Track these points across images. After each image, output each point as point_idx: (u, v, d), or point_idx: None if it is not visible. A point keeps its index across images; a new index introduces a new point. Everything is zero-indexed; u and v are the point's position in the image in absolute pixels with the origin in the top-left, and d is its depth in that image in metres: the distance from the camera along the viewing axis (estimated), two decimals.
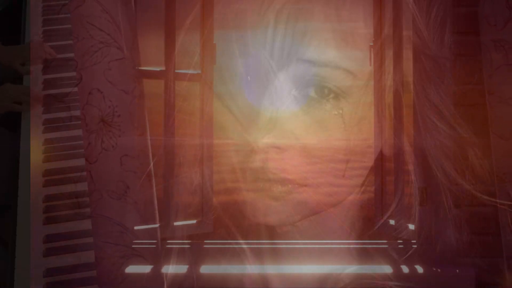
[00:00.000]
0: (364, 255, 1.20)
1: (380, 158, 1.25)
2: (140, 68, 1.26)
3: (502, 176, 1.16)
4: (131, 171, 1.14)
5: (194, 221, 1.24)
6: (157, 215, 1.16)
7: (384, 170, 1.25)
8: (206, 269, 1.17)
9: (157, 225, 1.20)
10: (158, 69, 1.26)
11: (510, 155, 1.17)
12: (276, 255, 1.20)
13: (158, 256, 1.14)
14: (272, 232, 1.24)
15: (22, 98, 1.16)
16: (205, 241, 1.22)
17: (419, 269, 1.17)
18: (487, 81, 1.19)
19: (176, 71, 1.26)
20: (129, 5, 1.25)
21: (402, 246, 1.19)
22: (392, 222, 1.23)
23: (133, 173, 1.14)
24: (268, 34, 1.23)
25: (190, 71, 1.26)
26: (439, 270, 1.16)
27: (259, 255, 1.18)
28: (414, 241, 1.18)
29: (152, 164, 1.17)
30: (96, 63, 1.19)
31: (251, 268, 1.17)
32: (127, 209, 1.12)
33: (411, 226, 1.20)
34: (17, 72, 1.21)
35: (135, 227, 1.15)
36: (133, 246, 1.14)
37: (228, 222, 1.23)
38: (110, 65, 1.19)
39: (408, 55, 1.22)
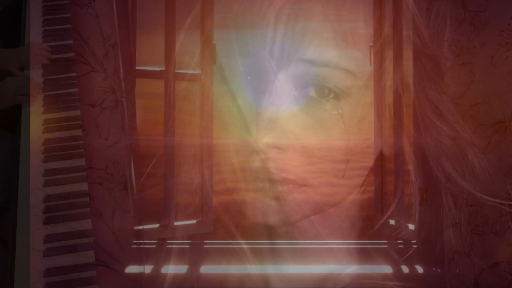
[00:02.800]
0: (364, 255, 1.20)
1: (380, 158, 1.25)
2: (140, 68, 1.26)
3: (449, 176, 1.17)
4: (95, 183, 1.14)
5: (194, 221, 1.24)
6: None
7: (384, 170, 1.25)
8: (206, 269, 1.17)
9: (157, 225, 1.21)
10: (158, 69, 1.26)
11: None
12: (276, 255, 1.20)
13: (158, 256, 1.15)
14: (272, 232, 1.24)
15: (23, 90, 1.16)
16: (205, 241, 1.22)
17: (419, 269, 1.17)
18: (438, 81, 1.20)
19: (176, 71, 1.26)
20: (124, 5, 1.25)
21: (402, 246, 1.19)
22: (392, 222, 1.23)
23: (98, 184, 1.14)
24: (268, 34, 1.23)
25: (190, 71, 1.26)
26: (439, 270, 1.16)
27: (259, 255, 1.18)
28: (414, 241, 1.19)
29: (130, 172, 1.17)
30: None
31: (251, 268, 1.17)
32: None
33: (411, 226, 1.20)
34: (14, 75, 1.21)
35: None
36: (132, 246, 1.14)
37: (228, 222, 1.23)
38: (76, 80, 1.20)
39: (408, 55, 1.22)
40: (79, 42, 1.24)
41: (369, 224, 1.24)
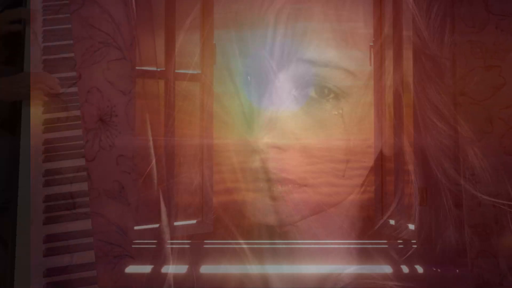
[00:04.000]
0: (364, 255, 1.20)
1: (380, 158, 1.25)
2: (140, 68, 1.26)
3: (470, 177, 1.17)
4: (126, 172, 1.14)
5: (194, 221, 1.24)
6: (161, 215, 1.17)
7: (384, 170, 1.25)
8: (206, 269, 1.17)
9: (156, 225, 1.21)
10: (158, 69, 1.26)
11: None
12: (276, 255, 1.20)
13: (163, 257, 1.15)
14: (272, 232, 1.24)
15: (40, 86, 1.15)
16: (205, 241, 1.22)
17: (419, 269, 1.17)
18: (458, 82, 1.20)
19: (176, 71, 1.26)
20: (129, 4, 1.25)
21: (402, 246, 1.19)
22: (392, 222, 1.23)
23: (128, 174, 1.14)
24: (268, 34, 1.23)
25: (190, 71, 1.26)
26: (439, 270, 1.16)
27: (259, 255, 1.18)
28: (414, 241, 1.19)
29: (152, 165, 1.17)
30: (95, 62, 1.19)
31: (251, 268, 1.17)
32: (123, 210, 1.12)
33: (411, 226, 1.20)
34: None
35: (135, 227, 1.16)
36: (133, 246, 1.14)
37: (228, 222, 1.23)
38: (109, 65, 1.19)
39: (408, 55, 1.22)
40: (111, 25, 1.22)
41: (369, 224, 1.24)
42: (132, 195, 1.14)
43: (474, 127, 1.18)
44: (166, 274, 1.14)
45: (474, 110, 1.19)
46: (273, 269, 1.17)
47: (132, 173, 1.15)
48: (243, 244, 1.19)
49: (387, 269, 1.17)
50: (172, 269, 1.15)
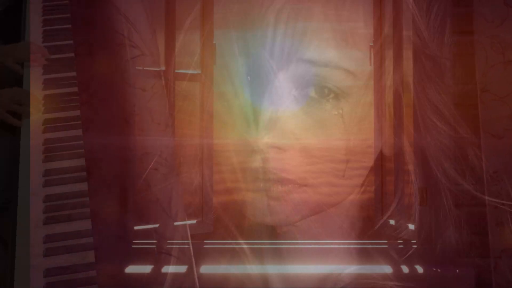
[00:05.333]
0: (364, 255, 1.20)
1: (380, 158, 1.25)
2: (140, 68, 1.26)
3: (493, 174, 1.16)
4: (152, 168, 1.14)
5: (194, 221, 1.24)
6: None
7: (384, 170, 1.25)
8: (206, 269, 1.17)
9: (156, 225, 1.21)
10: (158, 69, 1.26)
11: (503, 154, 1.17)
12: (276, 255, 1.20)
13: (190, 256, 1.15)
14: (272, 232, 1.24)
15: (21, 103, 1.15)
16: (205, 241, 1.22)
17: (419, 269, 1.17)
18: (480, 79, 1.19)
19: (176, 71, 1.26)
20: (144, 2, 1.25)
21: (402, 246, 1.19)
22: (392, 222, 1.23)
23: (154, 170, 1.14)
24: (268, 34, 1.23)
25: (190, 71, 1.26)
26: (439, 270, 1.16)
27: (259, 255, 1.18)
28: (414, 241, 1.19)
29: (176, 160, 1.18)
30: (112, 63, 1.20)
31: (251, 268, 1.17)
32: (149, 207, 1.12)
33: (411, 226, 1.20)
34: (13, 70, 1.21)
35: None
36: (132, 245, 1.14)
37: (228, 222, 1.23)
38: (127, 64, 1.19)
39: (408, 55, 1.22)
40: (125, 25, 1.22)
41: (369, 224, 1.24)
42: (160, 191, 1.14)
43: (498, 124, 1.17)
44: (166, 274, 1.14)
45: (497, 106, 1.18)
46: (273, 269, 1.17)
47: (160, 168, 1.15)
48: (243, 244, 1.19)
49: (387, 269, 1.17)
50: (172, 269, 1.15)
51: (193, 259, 1.12)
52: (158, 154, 1.15)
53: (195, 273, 1.11)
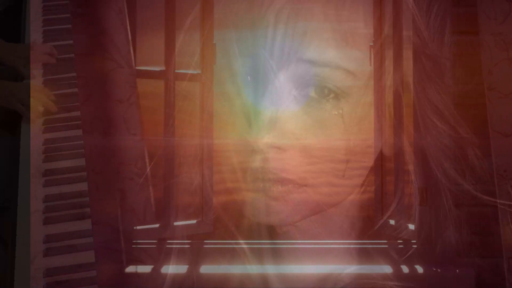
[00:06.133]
0: (364, 255, 1.20)
1: (380, 158, 1.25)
2: (140, 68, 1.26)
3: (503, 173, 1.16)
4: (127, 178, 1.15)
5: (194, 221, 1.24)
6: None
7: (384, 170, 1.25)
8: (206, 269, 1.17)
9: (156, 225, 1.21)
10: (158, 69, 1.26)
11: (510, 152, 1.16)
12: (276, 255, 1.20)
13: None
14: (272, 232, 1.24)
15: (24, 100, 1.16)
16: (205, 241, 1.22)
17: (419, 269, 1.17)
18: (487, 77, 1.18)
19: (176, 71, 1.26)
20: (122, 11, 1.26)
21: (402, 246, 1.19)
22: (392, 222, 1.23)
23: (129, 179, 1.15)
24: (268, 34, 1.23)
25: (190, 71, 1.26)
26: (439, 270, 1.16)
27: (259, 255, 1.18)
28: (414, 241, 1.19)
29: (149, 166, 1.18)
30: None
31: (251, 268, 1.17)
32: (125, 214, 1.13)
33: (411, 226, 1.20)
34: (20, 73, 1.21)
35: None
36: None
37: (228, 222, 1.23)
38: (104, 78, 1.21)
39: (408, 55, 1.22)
40: (104, 38, 1.23)
41: (369, 224, 1.24)
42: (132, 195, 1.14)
43: (505, 122, 1.17)
44: (166, 274, 1.14)
45: (503, 104, 1.18)
46: (273, 269, 1.17)
47: (135, 178, 1.15)
48: (243, 244, 1.19)
49: (387, 269, 1.17)
50: (172, 269, 1.15)
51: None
52: (133, 164, 1.16)
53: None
